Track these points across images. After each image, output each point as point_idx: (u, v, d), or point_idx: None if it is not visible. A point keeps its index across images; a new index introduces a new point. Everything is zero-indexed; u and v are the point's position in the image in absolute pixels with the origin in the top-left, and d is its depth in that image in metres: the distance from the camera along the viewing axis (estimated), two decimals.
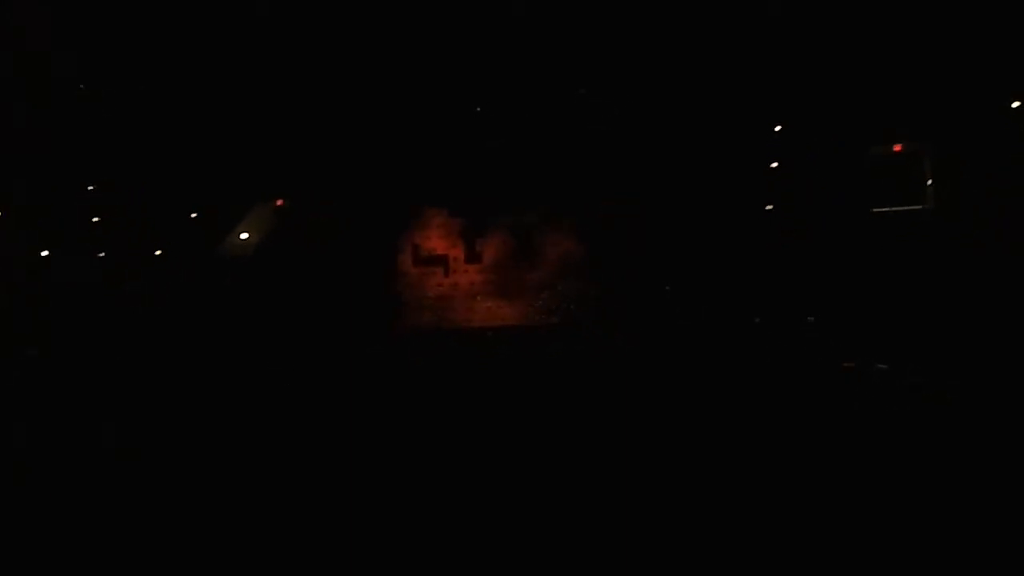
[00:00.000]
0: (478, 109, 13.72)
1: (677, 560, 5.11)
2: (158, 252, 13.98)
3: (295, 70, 13.33)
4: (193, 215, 14.05)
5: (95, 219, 13.83)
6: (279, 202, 14.22)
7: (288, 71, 13.33)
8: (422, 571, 5.20)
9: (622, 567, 5.06)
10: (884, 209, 12.71)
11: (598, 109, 13.35)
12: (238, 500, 6.49)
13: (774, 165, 13.08)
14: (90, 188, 13.82)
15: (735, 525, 5.49)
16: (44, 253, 13.43)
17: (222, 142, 13.64)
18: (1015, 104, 12.36)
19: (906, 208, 12.70)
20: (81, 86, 13.65)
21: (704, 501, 5.95)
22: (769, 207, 13.14)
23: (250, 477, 7.03)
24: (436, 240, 14.65)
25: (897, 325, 11.11)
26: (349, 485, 6.65)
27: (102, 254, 13.81)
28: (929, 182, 12.73)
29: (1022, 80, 12.14)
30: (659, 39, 12.53)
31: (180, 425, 8.96)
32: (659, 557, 5.15)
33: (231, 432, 8.65)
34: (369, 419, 9.06)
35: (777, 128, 13.01)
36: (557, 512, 5.86)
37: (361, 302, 13.84)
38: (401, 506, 6.15)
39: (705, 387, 9.62)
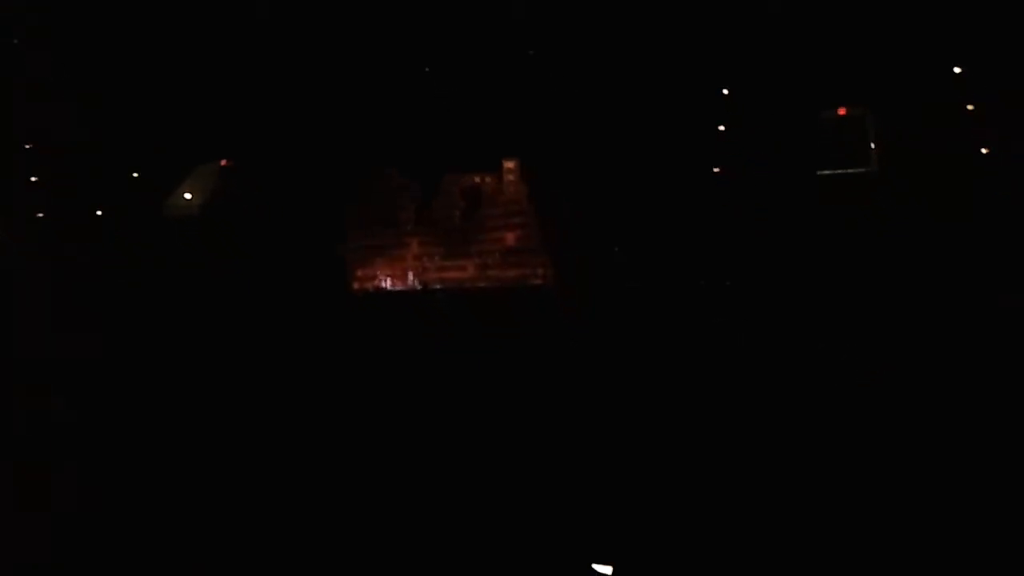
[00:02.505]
0: (427, 69, 13.56)
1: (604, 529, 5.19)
2: (99, 213, 13.67)
3: (240, 25, 13.04)
4: (135, 174, 13.74)
5: (32, 179, 13.46)
6: (224, 161, 13.95)
7: (233, 26, 13.02)
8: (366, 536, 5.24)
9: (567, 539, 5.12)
10: (829, 172, 12.92)
11: (547, 70, 13.29)
12: (181, 467, 6.47)
13: (721, 128, 13.20)
14: (27, 147, 13.44)
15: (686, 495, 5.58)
16: None
17: (164, 99, 13.30)
18: (957, 69, 12.60)
19: (850, 171, 12.92)
20: (15, 41, 13.21)
21: (655, 464, 6.05)
22: (716, 169, 13.27)
23: (194, 443, 6.99)
24: (386, 199, 14.52)
25: (841, 285, 11.37)
26: (295, 450, 6.63)
27: (40, 215, 13.47)
28: (873, 145, 12.96)
29: (963, 46, 12.36)
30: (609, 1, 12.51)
31: (125, 393, 8.84)
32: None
33: (178, 397, 8.56)
34: (319, 383, 9.03)
35: (725, 92, 13.11)
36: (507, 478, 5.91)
37: (310, 263, 13.70)
38: (346, 469, 6.15)
39: (653, 349, 9.73)
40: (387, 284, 14.36)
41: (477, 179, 14.31)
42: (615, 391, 7.98)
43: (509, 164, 14.17)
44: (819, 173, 12.87)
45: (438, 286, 14.23)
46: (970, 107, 12.64)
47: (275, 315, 12.48)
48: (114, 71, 13.25)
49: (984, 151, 12.60)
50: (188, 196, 13.92)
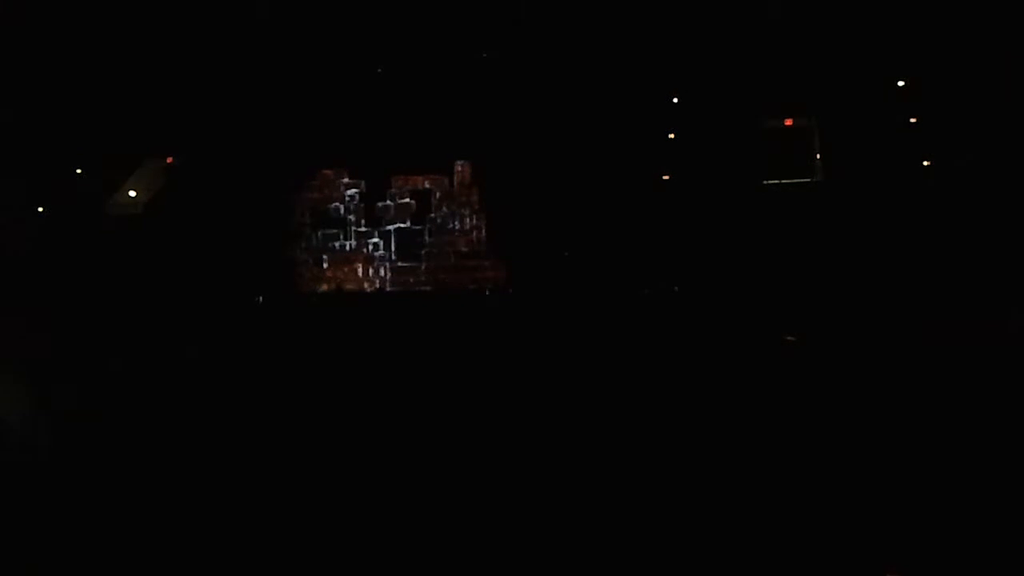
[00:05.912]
0: (379, 70, 13.50)
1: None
2: (41, 209, 13.40)
3: (187, 22, 12.86)
4: (79, 171, 13.50)
5: None
6: (169, 159, 13.75)
7: (180, 19, 12.83)
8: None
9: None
10: (775, 181, 13.18)
11: (500, 74, 13.31)
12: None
13: (672, 136, 13.34)
14: None
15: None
16: None
17: (110, 94, 13.06)
18: (900, 83, 12.90)
19: (796, 180, 13.19)
20: None
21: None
22: (666, 177, 13.41)
23: (132, 448, 6.89)
24: (336, 202, 14.42)
25: (785, 291, 11.57)
26: (240, 454, 6.57)
27: None
28: (818, 156, 13.24)
29: (907, 59, 12.66)
30: (561, 6, 12.57)
31: (67, 394, 8.68)
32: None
33: (121, 400, 8.43)
34: (265, 385, 8.92)
35: (675, 100, 13.25)
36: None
37: (257, 265, 13.56)
38: (293, 474, 6.11)
39: (603, 353, 9.77)
40: (336, 286, 14.27)
41: (428, 182, 14.27)
42: (567, 396, 8.01)
43: (460, 166, 14.16)
44: (765, 183, 13.11)
45: (388, 289, 14.18)
46: (913, 120, 12.95)
47: (222, 316, 12.33)
48: (57, 67, 12.98)
49: (926, 163, 12.92)
50: (133, 194, 13.70)
